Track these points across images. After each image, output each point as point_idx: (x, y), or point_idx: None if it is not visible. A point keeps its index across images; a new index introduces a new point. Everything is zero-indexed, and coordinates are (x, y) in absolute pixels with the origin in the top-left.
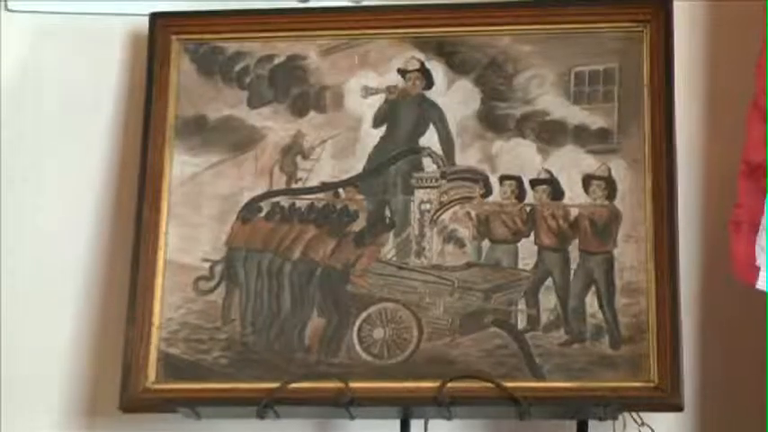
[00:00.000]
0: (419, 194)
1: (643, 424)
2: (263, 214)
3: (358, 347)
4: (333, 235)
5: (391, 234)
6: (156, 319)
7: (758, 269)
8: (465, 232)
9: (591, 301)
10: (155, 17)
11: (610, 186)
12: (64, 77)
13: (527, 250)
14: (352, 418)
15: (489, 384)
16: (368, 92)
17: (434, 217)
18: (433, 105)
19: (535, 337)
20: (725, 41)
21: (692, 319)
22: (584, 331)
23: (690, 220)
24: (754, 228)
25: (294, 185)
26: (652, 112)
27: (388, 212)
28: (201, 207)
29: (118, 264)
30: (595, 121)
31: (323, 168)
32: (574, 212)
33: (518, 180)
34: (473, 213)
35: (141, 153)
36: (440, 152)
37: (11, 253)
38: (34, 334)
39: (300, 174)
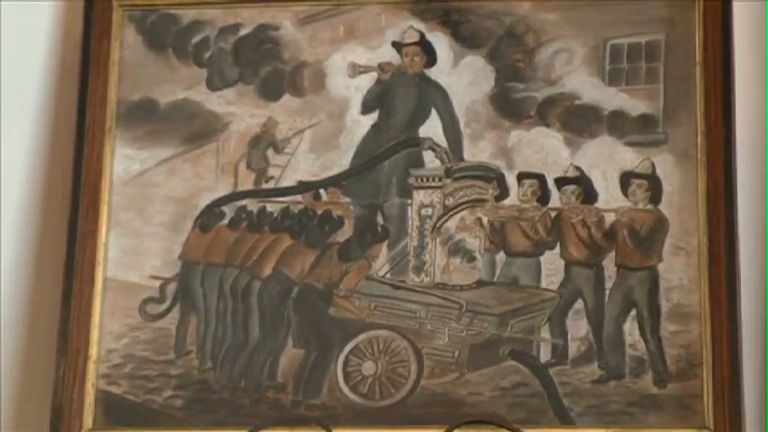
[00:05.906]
0: (418, 196)
1: None
2: (225, 221)
3: (343, 386)
4: (312, 246)
5: (384, 245)
6: (93, 351)
7: None
8: (475, 243)
9: (630, 329)
10: None
11: (654, 186)
12: None
13: (552, 265)
14: None
15: (505, 431)
16: (356, 70)
17: (437, 224)
18: (436, 87)
19: (562, 373)
20: None
21: (754, 350)
22: (622, 365)
23: (752, 228)
24: None
25: (265, 185)
26: (706, 96)
27: (380, 219)
28: (150, 212)
29: (47, 282)
30: (636, 105)
31: (300, 164)
32: (609, 219)
33: (540, 179)
34: (485, 220)
35: (75, 146)
36: (444, 144)
37: None
38: None
39: (272, 171)
